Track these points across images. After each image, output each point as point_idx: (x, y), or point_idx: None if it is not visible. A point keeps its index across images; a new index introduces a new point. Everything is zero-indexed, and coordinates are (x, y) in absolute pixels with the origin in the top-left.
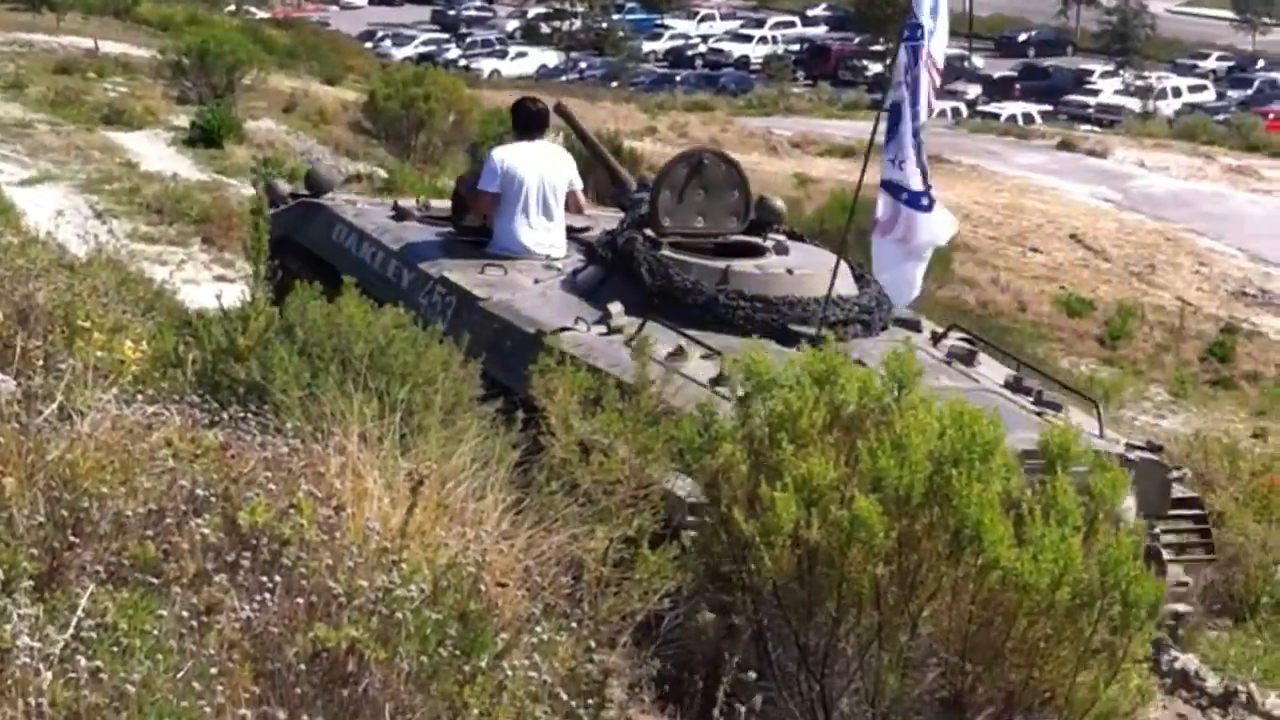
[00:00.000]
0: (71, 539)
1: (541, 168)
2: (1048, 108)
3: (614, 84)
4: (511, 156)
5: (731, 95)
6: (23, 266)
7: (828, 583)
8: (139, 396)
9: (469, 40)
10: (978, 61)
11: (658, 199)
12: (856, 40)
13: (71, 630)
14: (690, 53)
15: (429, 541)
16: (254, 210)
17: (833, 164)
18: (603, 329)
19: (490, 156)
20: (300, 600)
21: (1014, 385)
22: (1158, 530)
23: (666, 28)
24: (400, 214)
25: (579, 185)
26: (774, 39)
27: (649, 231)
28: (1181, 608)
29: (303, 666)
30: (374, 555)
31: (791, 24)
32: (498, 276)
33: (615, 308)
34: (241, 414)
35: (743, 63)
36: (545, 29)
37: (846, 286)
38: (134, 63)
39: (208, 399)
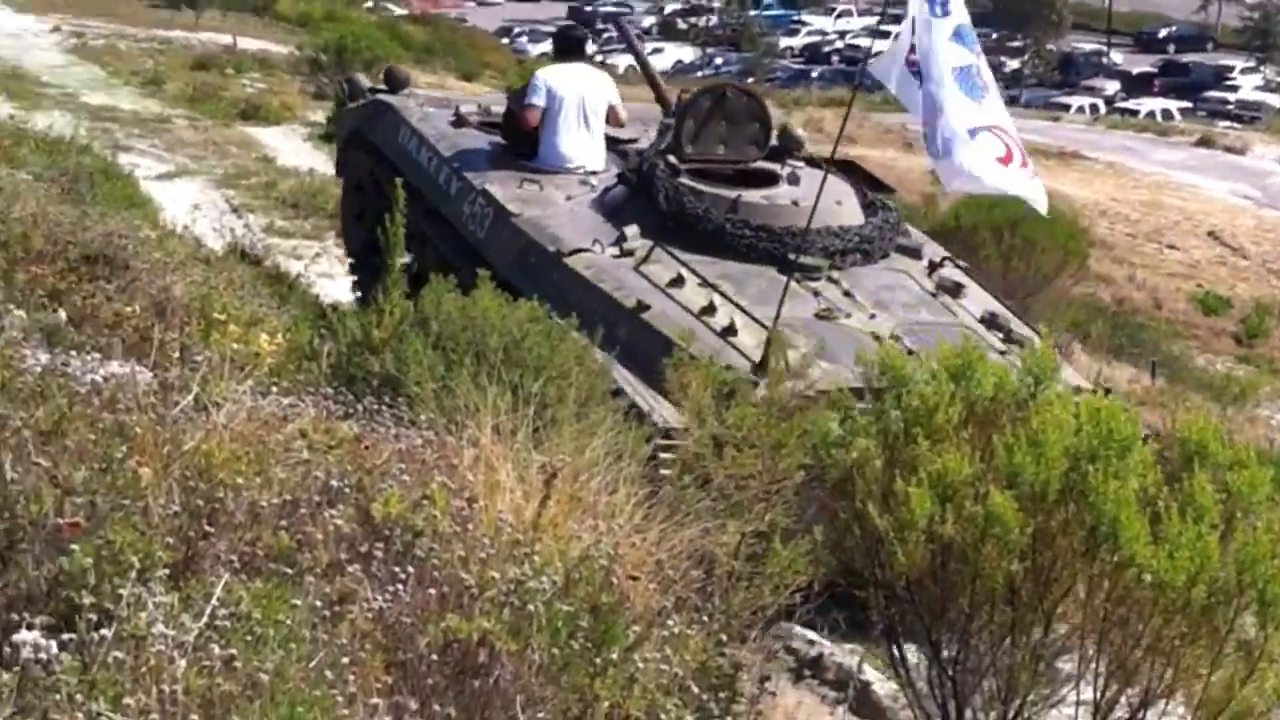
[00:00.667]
0: (206, 528)
1: (581, 86)
2: (1187, 104)
3: (750, 79)
4: (553, 76)
5: (868, 91)
6: (160, 260)
7: (961, 579)
8: (274, 389)
9: (605, 36)
10: (1116, 57)
11: (681, 128)
12: (994, 36)
13: (206, 619)
14: (827, 49)
15: (561, 534)
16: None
17: None
18: (616, 250)
19: (535, 76)
20: (432, 591)
21: (989, 321)
22: None
23: (803, 23)
24: (459, 120)
25: (618, 101)
26: None
27: (671, 158)
28: None
29: (434, 657)
30: (506, 547)
31: None
32: (533, 192)
33: (631, 230)
34: (376, 406)
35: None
36: (682, 24)
37: (852, 216)
38: (271, 59)
39: (342, 391)
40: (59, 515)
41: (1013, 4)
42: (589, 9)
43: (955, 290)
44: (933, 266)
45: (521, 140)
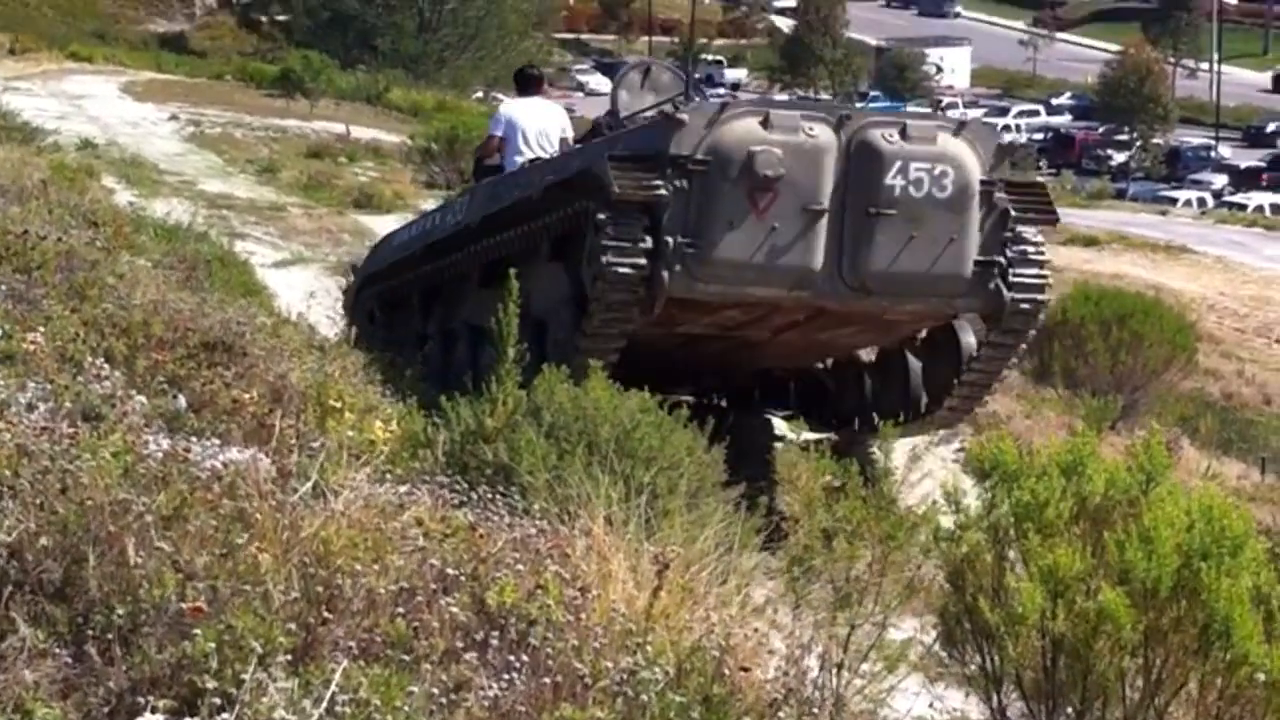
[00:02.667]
0: (325, 614)
1: (538, 117)
2: None
3: None
4: (512, 109)
5: None
6: (276, 347)
7: (1073, 674)
8: (389, 476)
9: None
10: (1225, 151)
11: (615, 97)
12: (1101, 129)
13: (326, 704)
14: None
15: (673, 625)
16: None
17: (1075, 253)
18: None
19: (497, 111)
20: (546, 680)
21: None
22: (1001, 194)
23: None
24: (446, 203)
25: (570, 134)
26: (1018, 127)
27: (609, 121)
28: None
29: None
30: (619, 637)
31: (1036, 113)
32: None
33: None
34: (489, 494)
35: None
36: None
37: None
38: (384, 148)
39: (457, 480)
40: (181, 600)
41: (1119, 97)
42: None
43: None
44: None
45: (489, 171)
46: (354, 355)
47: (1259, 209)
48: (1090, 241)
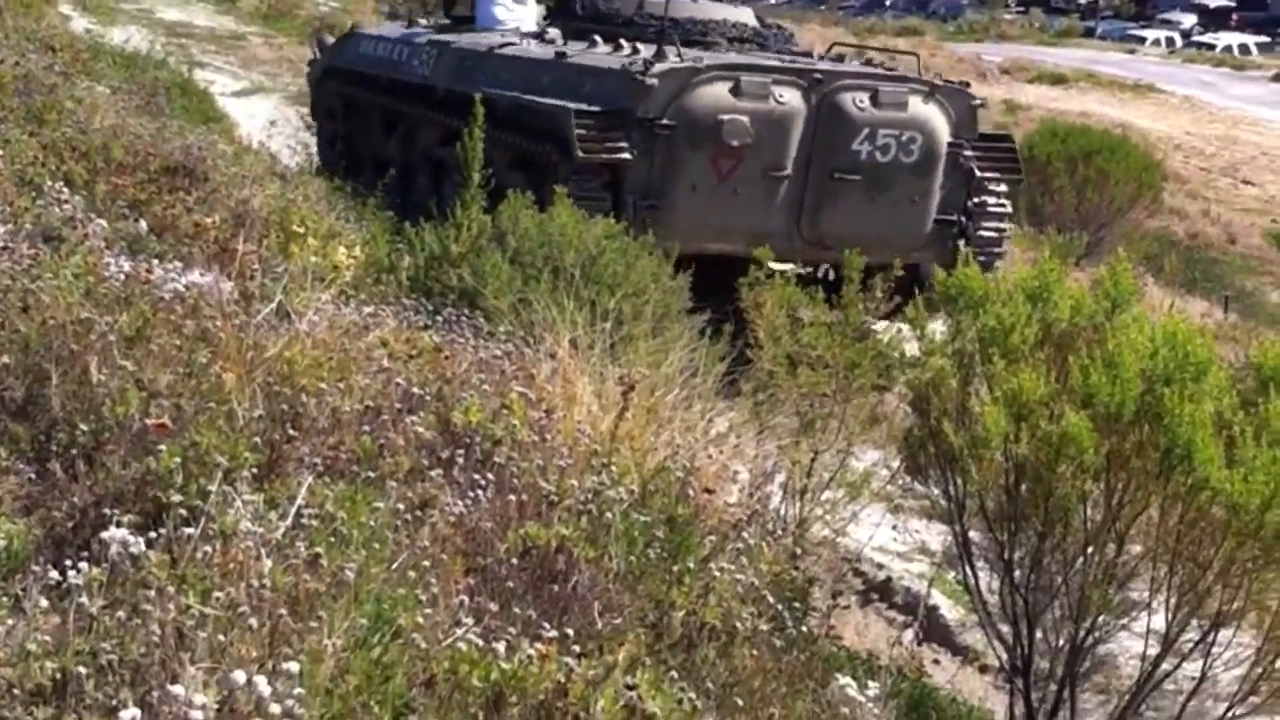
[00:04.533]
0: (290, 432)
1: None
2: (1265, 39)
3: (822, 6)
4: None
5: (941, 20)
6: (237, 174)
7: (1035, 498)
8: (353, 300)
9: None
10: None
11: None
12: None
13: (291, 518)
14: None
15: (638, 446)
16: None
17: (1042, 91)
18: (537, 43)
19: None
20: (512, 498)
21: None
22: (969, 153)
23: None
24: (410, 24)
25: None
26: None
27: None
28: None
29: (514, 562)
30: (584, 457)
31: None
32: (471, 36)
33: (552, 31)
34: (455, 317)
35: None
36: None
37: (750, 19)
38: None
39: (421, 303)
40: (145, 417)
41: None
42: None
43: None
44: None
45: (460, 19)
46: (316, 183)
47: (1228, 49)
48: (1058, 80)
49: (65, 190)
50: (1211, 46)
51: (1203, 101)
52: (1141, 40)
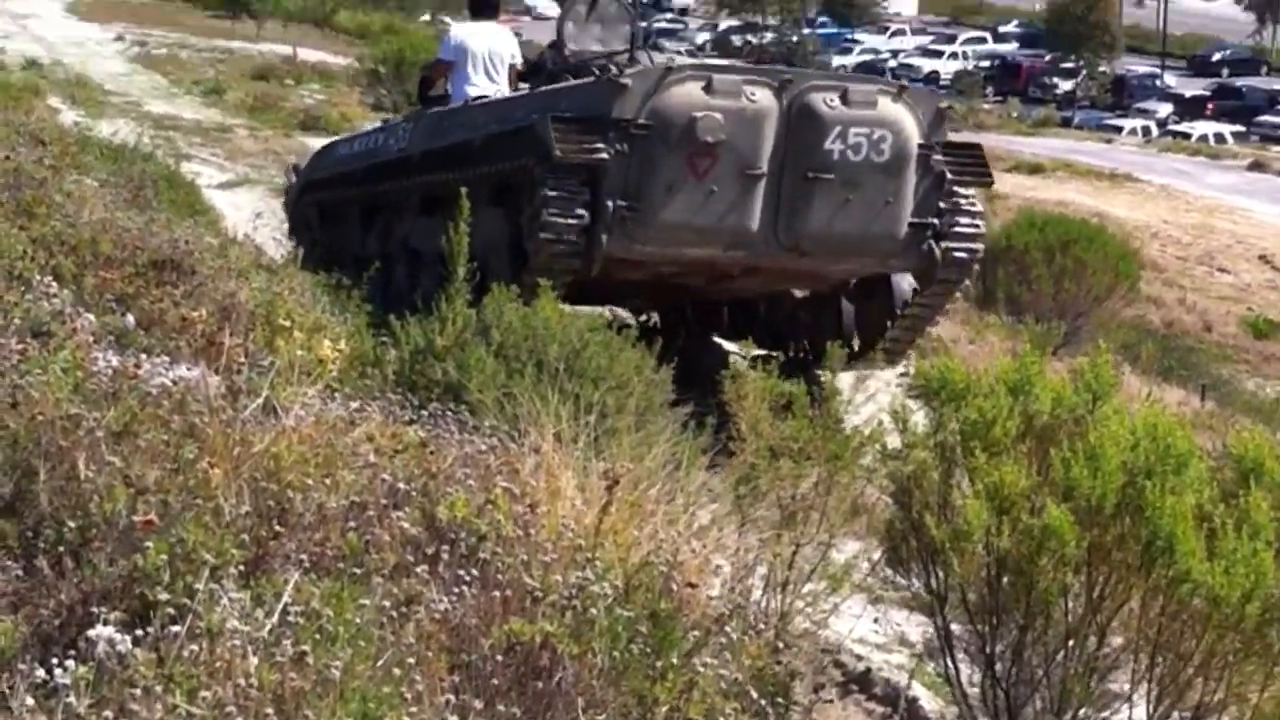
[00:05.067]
0: (277, 529)
1: (489, 41)
2: (1240, 128)
3: None
4: (463, 32)
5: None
6: (224, 266)
7: (1016, 591)
8: (338, 394)
9: (661, 51)
10: (1170, 80)
11: (562, 28)
12: (1047, 57)
13: (278, 616)
14: (880, 67)
15: (622, 541)
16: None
17: (1020, 180)
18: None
19: (447, 33)
20: (496, 594)
21: None
22: (939, 156)
23: (857, 42)
24: (385, 124)
25: (519, 59)
26: (965, 55)
27: (553, 53)
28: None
29: (498, 659)
30: (568, 552)
31: (983, 40)
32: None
33: (523, 86)
34: (439, 412)
35: (933, 78)
36: (736, 41)
37: None
38: (331, 70)
39: (406, 397)
40: (132, 514)
41: (1066, 25)
42: (643, 24)
43: None
44: None
45: (435, 100)
46: (301, 276)
47: (1203, 138)
48: (1035, 169)
49: (54, 284)
50: (1187, 136)
51: (1179, 190)
52: (1118, 130)
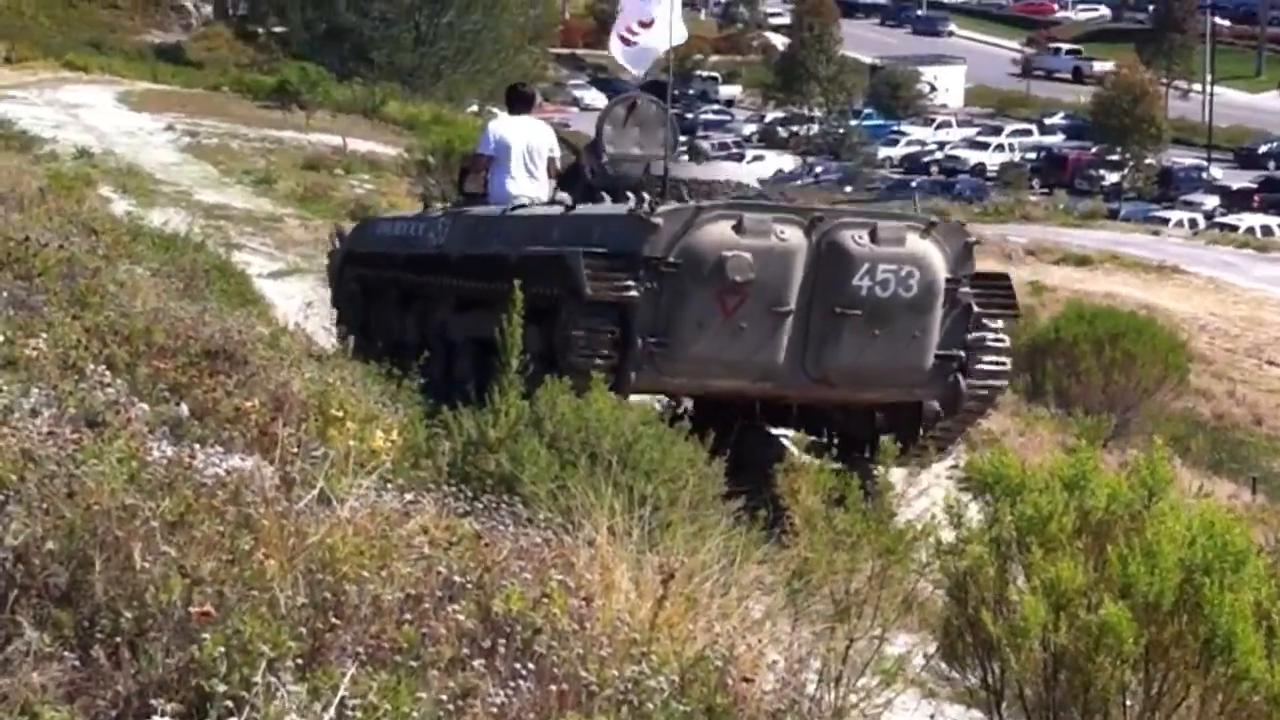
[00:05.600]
0: (333, 620)
1: (527, 136)
2: None
3: (849, 189)
4: (502, 127)
5: (967, 202)
6: (276, 357)
7: (1074, 688)
8: (392, 485)
9: (706, 144)
10: (1216, 173)
11: (601, 130)
12: (1093, 149)
13: (334, 709)
14: (926, 159)
15: (677, 635)
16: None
17: (1068, 272)
18: (546, 203)
19: (487, 127)
20: (552, 688)
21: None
22: (966, 289)
23: (903, 134)
24: (425, 204)
25: (557, 154)
26: (1011, 146)
27: (593, 153)
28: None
29: None
30: (623, 646)
31: (1028, 132)
32: (484, 207)
33: (562, 195)
34: (493, 504)
35: (979, 170)
36: (782, 133)
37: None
38: (380, 160)
39: (460, 489)
40: (188, 605)
41: (1112, 117)
42: (689, 117)
43: None
44: None
45: (474, 185)
46: (353, 365)
47: (1250, 230)
48: (1083, 261)
49: (108, 374)
50: (1234, 228)
51: (1227, 282)
52: (1165, 221)
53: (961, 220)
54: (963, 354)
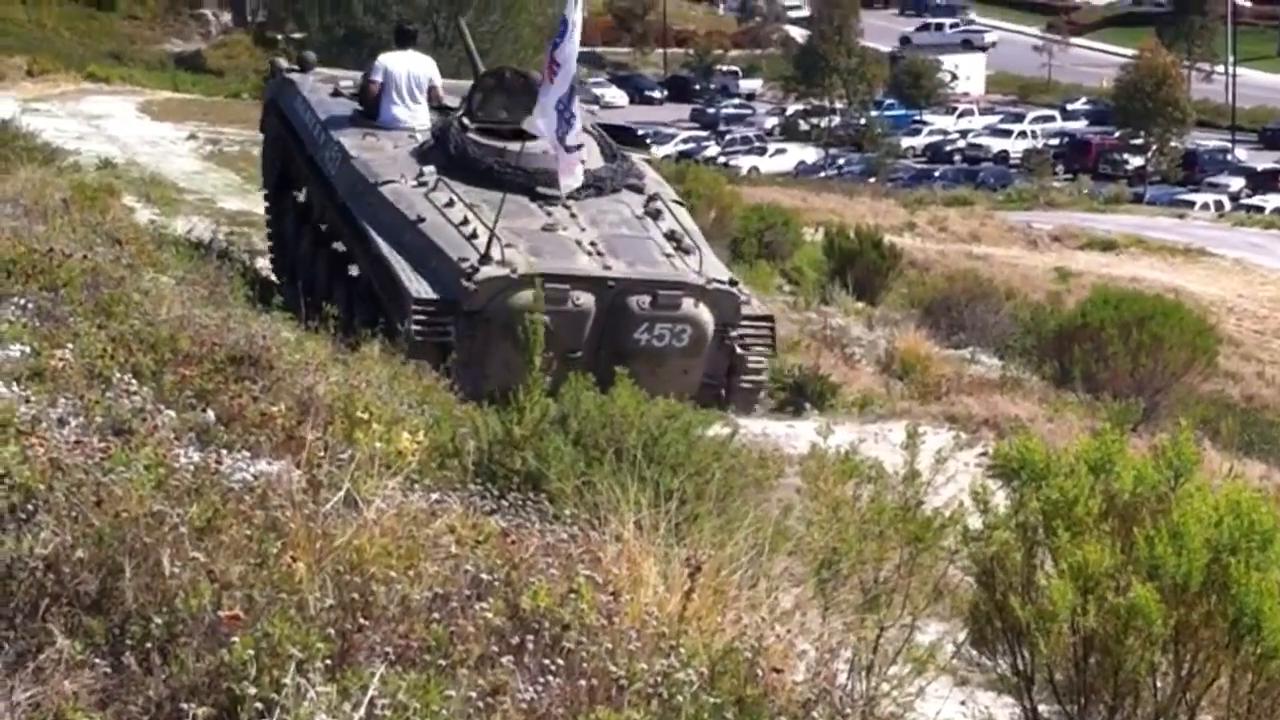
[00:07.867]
0: (361, 621)
1: (409, 66)
2: None
3: (872, 180)
4: (388, 60)
5: (991, 190)
6: (301, 361)
7: (1104, 671)
8: (418, 485)
9: (728, 138)
10: (1241, 154)
11: (472, 98)
12: (1117, 134)
13: (364, 709)
14: (949, 148)
15: (706, 627)
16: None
17: (1093, 257)
18: (414, 182)
19: (376, 59)
20: (582, 683)
21: (669, 235)
22: (733, 334)
23: (925, 123)
24: (336, 92)
25: (439, 82)
26: (1033, 133)
27: (464, 119)
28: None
29: None
30: (652, 640)
31: (1051, 118)
32: (370, 143)
33: (429, 169)
34: (519, 501)
35: (1002, 157)
36: (804, 125)
37: (592, 162)
38: None
39: (486, 487)
40: (217, 609)
41: (1135, 101)
42: (711, 111)
43: (655, 215)
44: (648, 199)
45: (369, 107)
46: (379, 367)
47: (1276, 210)
48: (1108, 246)
49: (134, 382)
50: (1260, 209)
51: (1254, 264)
52: (1190, 205)
53: (735, 279)
54: (725, 377)
